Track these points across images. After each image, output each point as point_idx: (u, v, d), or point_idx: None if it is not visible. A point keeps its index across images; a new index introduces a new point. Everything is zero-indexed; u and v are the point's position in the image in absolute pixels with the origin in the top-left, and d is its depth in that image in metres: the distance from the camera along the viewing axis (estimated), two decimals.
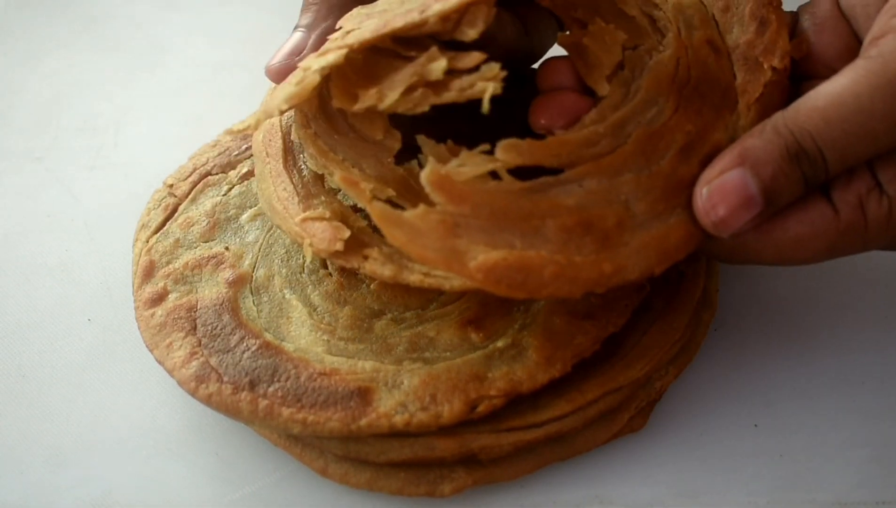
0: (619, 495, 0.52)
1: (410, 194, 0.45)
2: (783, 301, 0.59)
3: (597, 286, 0.42)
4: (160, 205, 0.59)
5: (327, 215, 0.49)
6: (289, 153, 0.54)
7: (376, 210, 0.41)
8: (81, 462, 0.54)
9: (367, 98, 0.44)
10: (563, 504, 0.52)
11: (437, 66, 0.43)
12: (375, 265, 0.43)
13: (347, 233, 0.48)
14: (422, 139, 0.44)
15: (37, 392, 0.57)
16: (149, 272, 0.57)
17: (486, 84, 0.42)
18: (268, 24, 0.78)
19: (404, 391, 0.49)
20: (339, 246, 0.48)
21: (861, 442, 0.53)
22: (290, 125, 0.54)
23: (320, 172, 0.50)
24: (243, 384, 0.51)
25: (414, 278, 0.44)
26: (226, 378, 0.51)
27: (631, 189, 0.42)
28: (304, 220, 0.48)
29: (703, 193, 0.44)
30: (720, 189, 0.44)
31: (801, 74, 0.49)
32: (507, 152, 0.42)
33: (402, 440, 0.50)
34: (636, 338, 0.53)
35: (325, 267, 0.55)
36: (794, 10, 0.50)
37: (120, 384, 0.57)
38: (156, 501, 0.53)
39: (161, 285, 0.55)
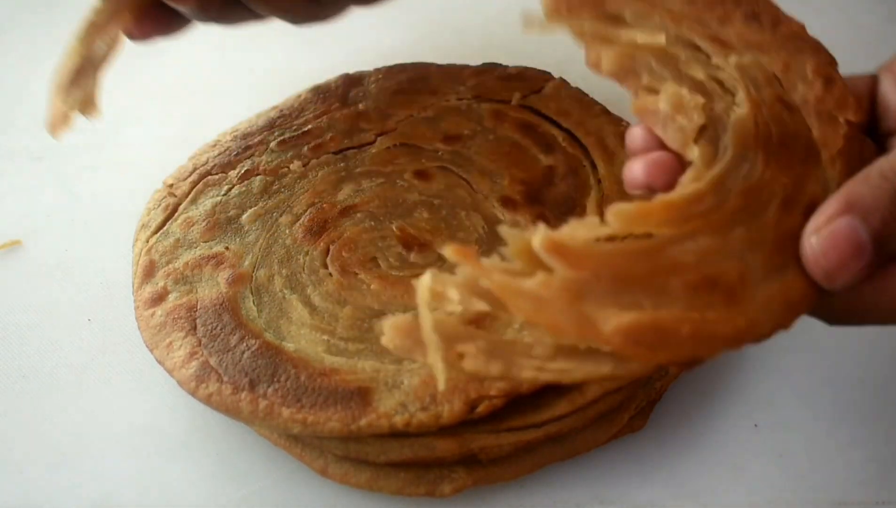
0: (619, 495, 0.52)
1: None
2: None
3: (734, 343, 0.40)
4: (160, 205, 0.59)
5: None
6: None
7: (497, 282, 0.38)
8: (81, 461, 0.54)
9: None
10: (563, 504, 0.52)
11: None
12: (478, 363, 0.41)
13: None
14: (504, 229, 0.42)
15: (37, 392, 0.57)
16: (149, 272, 0.57)
17: None
18: (268, 24, 0.78)
19: (404, 391, 0.49)
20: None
21: (861, 442, 0.53)
22: None
23: None
24: (243, 384, 0.51)
25: (527, 374, 0.40)
26: (226, 378, 0.51)
27: (744, 244, 0.41)
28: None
29: (813, 242, 0.42)
30: (830, 237, 0.42)
31: (884, 132, 0.49)
32: (618, 217, 0.41)
33: (402, 441, 0.50)
34: None
35: (326, 267, 0.55)
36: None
37: (120, 384, 0.57)
38: (156, 501, 0.53)
39: (161, 285, 0.55)
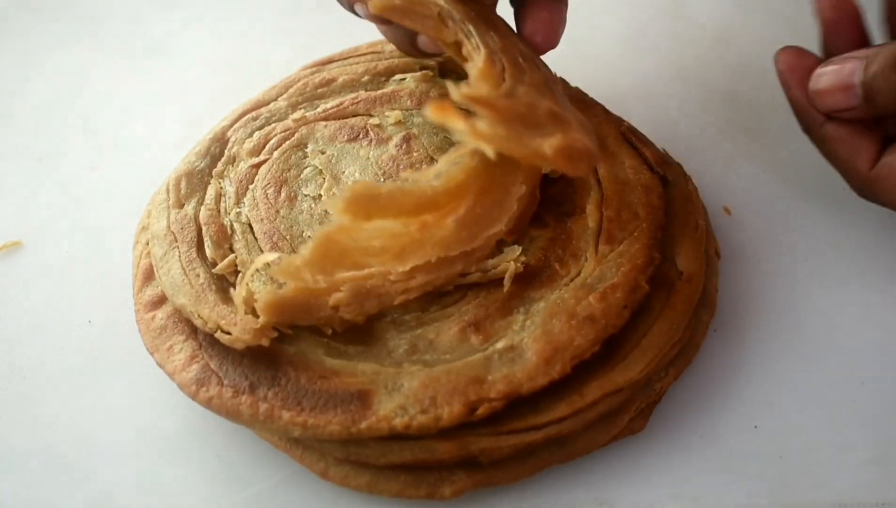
0: (620, 497, 0.52)
1: None
2: (783, 301, 0.58)
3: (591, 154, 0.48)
4: (160, 207, 0.59)
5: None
6: (201, 245, 0.56)
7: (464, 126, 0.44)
8: (82, 464, 0.54)
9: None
10: (564, 506, 0.52)
11: None
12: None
13: (274, 332, 0.51)
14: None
15: (37, 394, 0.57)
16: (149, 275, 0.57)
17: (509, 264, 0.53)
18: (268, 24, 0.78)
19: (404, 393, 0.49)
20: (266, 342, 0.51)
21: (861, 443, 0.53)
22: (206, 220, 0.57)
23: None
24: (243, 388, 0.51)
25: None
26: (226, 382, 0.51)
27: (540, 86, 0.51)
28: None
29: (821, 69, 0.54)
30: (836, 70, 0.54)
31: None
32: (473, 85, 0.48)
33: (403, 443, 0.50)
34: (636, 340, 0.52)
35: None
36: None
37: (120, 386, 0.57)
38: (156, 504, 0.53)
39: (161, 288, 0.55)
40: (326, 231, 0.46)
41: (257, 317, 0.50)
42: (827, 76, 0.54)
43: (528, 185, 0.52)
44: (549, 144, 0.45)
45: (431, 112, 0.43)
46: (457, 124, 0.43)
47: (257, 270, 0.53)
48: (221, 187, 0.59)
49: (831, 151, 0.56)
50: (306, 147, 0.60)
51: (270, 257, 0.51)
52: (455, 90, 0.45)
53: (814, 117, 0.56)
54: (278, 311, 0.49)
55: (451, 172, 0.47)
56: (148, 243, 0.58)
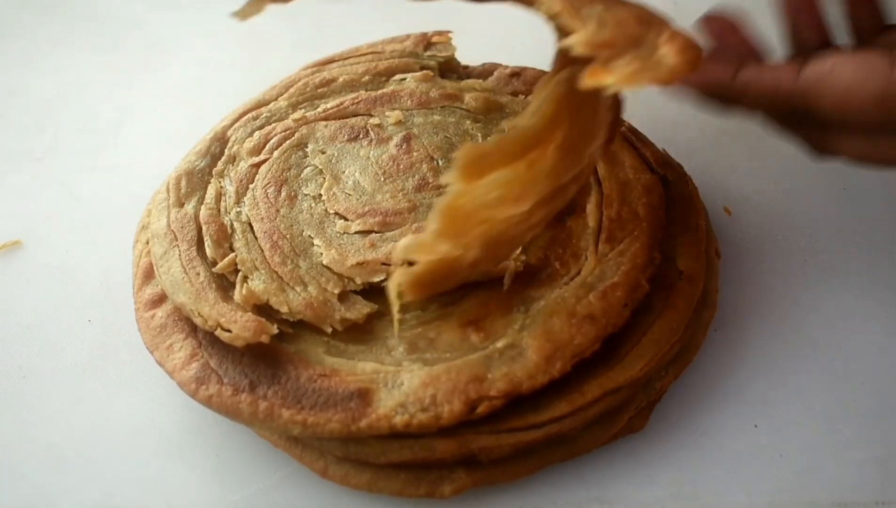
0: (620, 496, 0.52)
1: None
2: (783, 301, 0.58)
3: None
4: (160, 206, 0.59)
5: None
6: (201, 244, 0.56)
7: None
8: (82, 463, 0.54)
9: None
10: (564, 505, 0.52)
11: None
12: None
13: (274, 330, 0.51)
14: None
15: (37, 393, 0.57)
16: (149, 274, 0.57)
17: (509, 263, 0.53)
18: (268, 25, 0.78)
19: (404, 391, 0.49)
20: (265, 339, 0.51)
21: (861, 442, 0.53)
22: (206, 219, 0.57)
23: None
24: (243, 386, 0.51)
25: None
26: (226, 380, 0.51)
27: None
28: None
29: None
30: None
31: None
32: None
33: (403, 442, 0.50)
34: (636, 339, 0.53)
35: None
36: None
37: (120, 385, 0.57)
38: (156, 502, 0.53)
39: (161, 287, 0.55)
40: (447, 202, 0.45)
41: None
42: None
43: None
44: (669, 59, 0.45)
45: (588, 80, 0.42)
46: (607, 78, 0.43)
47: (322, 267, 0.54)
48: (222, 187, 0.59)
49: (755, 92, 0.50)
50: (306, 147, 0.60)
51: (405, 241, 0.48)
52: (577, 41, 0.44)
53: (723, 75, 0.51)
54: (420, 288, 0.47)
55: (542, 106, 0.46)
56: (148, 242, 0.58)
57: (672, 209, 0.58)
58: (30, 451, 0.55)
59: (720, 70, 0.50)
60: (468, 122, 0.60)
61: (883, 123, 0.47)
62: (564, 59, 0.48)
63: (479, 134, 0.59)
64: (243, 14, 0.52)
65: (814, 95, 0.48)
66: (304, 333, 0.53)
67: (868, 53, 0.47)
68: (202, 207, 0.58)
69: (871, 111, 0.47)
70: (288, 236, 0.55)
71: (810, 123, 0.50)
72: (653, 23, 0.48)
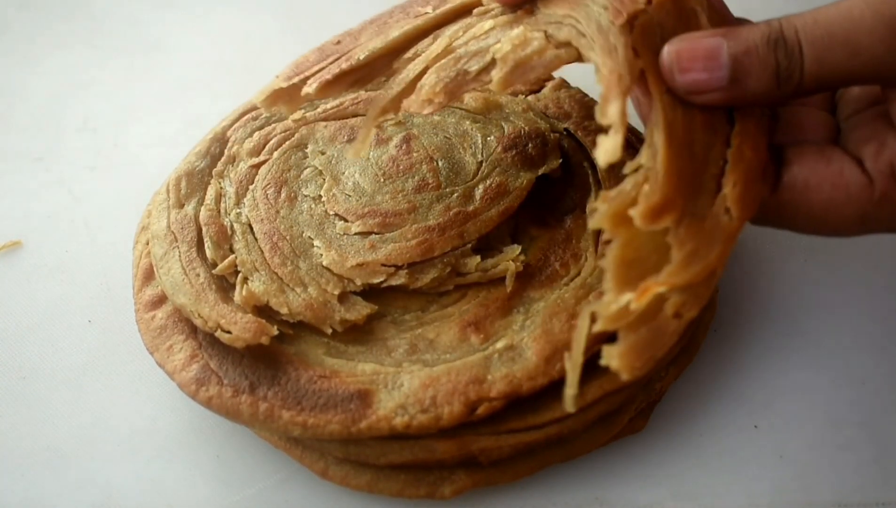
0: (619, 496, 0.52)
1: None
2: (783, 302, 0.58)
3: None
4: (160, 207, 0.59)
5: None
6: (201, 245, 0.56)
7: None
8: (82, 464, 0.54)
9: None
10: (563, 505, 0.52)
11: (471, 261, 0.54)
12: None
13: (274, 331, 0.51)
14: None
15: (37, 394, 0.57)
16: (149, 275, 0.57)
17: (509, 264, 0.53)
18: (268, 25, 0.78)
19: (404, 393, 0.49)
20: (266, 341, 0.51)
21: (861, 443, 0.53)
22: (206, 220, 0.57)
23: None
24: (243, 387, 0.51)
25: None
26: (226, 381, 0.51)
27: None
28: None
29: (672, 47, 0.46)
30: (691, 47, 0.45)
31: None
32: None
33: (403, 443, 0.50)
34: None
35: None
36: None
37: (120, 386, 0.57)
38: (156, 503, 0.53)
39: (161, 287, 0.55)
40: (613, 255, 0.44)
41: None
42: (686, 45, 0.45)
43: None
44: (731, 213, 0.45)
45: (636, 303, 0.42)
46: (658, 289, 0.43)
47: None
48: (221, 187, 0.58)
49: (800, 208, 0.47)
50: (306, 147, 0.60)
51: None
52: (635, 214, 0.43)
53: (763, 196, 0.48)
54: (644, 357, 0.43)
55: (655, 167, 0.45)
56: (148, 243, 0.58)
57: None
58: (30, 451, 0.55)
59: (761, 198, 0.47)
60: (468, 122, 0.60)
61: (860, 234, 0.47)
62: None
63: (479, 134, 0.58)
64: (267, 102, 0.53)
65: (789, 214, 0.47)
66: (304, 334, 0.53)
67: (840, 164, 0.46)
68: (202, 208, 0.58)
69: (850, 230, 0.47)
70: (288, 238, 0.55)
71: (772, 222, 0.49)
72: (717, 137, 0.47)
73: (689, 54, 0.45)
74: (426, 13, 0.53)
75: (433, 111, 0.49)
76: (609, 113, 0.44)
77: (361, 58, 0.52)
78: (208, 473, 0.54)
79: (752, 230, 0.61)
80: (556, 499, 0.52)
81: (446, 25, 0.53)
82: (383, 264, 0.54)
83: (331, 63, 0.53)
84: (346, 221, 0.55)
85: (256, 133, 0.61)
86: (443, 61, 0.50)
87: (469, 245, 0.54)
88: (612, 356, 0.42)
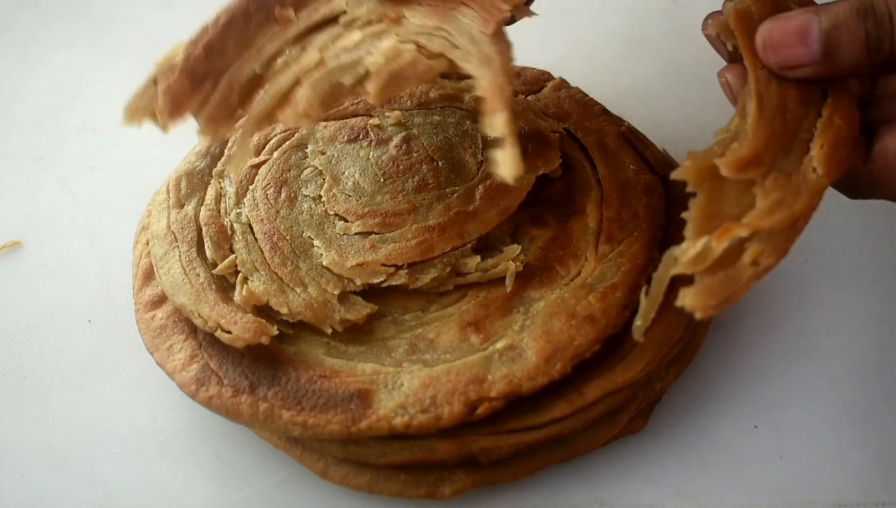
0: (619, 496, 0.52)
1: None
2: (783, 302, 0.58)
3: None
4: (160, 207, 0.59)
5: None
6: (201, 245, 0.56)
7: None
8: (82, 464, 0.54)
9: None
10: (563, 505, 0.52)
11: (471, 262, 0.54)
12: None
13: (274, 331, 0.51)
14: None
15: (37, 394, 0.57)
16: (149, 275, 0.57)
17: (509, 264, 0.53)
18: None
19: (404, 393, 0.50)
20: (265, 341, 0.51)
21: (861, 443, 0.53)
22: (206, 221, 0.57)
23: None
24: (243, 387, 0.51)
25: None
26: (226, 381, 0.51)
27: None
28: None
29: (766, 26, 0.48)
30: (784, 25, 0.47)
31: None
32: None
33: (403, 443, 0.50)
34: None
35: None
36: None
37: (120, 386, 0.57)
38: (156, 503, 0.53)
39: (161, 288, 0.55)
40: (697, 205, 0.46)
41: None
42: (779, 24, 0.47)
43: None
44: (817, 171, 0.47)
45: (717, 241, 0.44)
46: (740, 231, 0.44)
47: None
48: (221, 187, 0.58)
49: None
50: (306, 147, 0.60)
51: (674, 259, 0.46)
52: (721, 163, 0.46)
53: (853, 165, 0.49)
54: (718, 299, 0.44)
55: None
56: (148, 243, 0.58)
57: (672, 209, 0.58)
58: (30, 451, 0.55)
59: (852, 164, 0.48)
60: (468, 122, 0.60)
61: None
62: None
63: (479, 134, 0.58)
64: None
65: (882, 182, 0.48)
66: (304, 334, 0.53)
67: None
68: (202, 208, 0.58)
69: None
70: (288, 238, 0.55)
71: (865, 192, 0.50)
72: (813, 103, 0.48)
73: (781, 32, 0.47)
74: (289, 18, 0.52)
75: (309, 125, 0.49)
76: (496, 125, 0.45)
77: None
78: (208, 473, 0.54)
79: None
80: (556, 499, 0.52)
81: (312, 33, 0.52)
82: (383, 264, 0.54)
83: (217, 98, 0.52)
84: (346, 221, 0.55)
85: (256, 133, 0.61)
86: (316, 75, 0.50)
87: (469, 245, 0.54)
88: (686, 296, 0.43)
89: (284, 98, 0.50)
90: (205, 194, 0.59)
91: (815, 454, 0.53)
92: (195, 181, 0.59)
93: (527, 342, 0.51)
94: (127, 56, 0.77)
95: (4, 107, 0.74)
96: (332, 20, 0.52)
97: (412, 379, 0.50)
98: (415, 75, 0.49)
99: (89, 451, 0.55)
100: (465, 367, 0.50)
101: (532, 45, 0.66)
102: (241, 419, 0.51)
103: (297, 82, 0.50)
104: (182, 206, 0.58)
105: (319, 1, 0.53)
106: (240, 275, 0.54)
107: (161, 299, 0.55)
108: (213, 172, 0.59)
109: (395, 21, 0.51)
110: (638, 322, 0.47)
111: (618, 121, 0.62)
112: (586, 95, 0.63)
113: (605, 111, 0.62)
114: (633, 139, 0.60)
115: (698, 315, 0.43)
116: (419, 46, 0.49)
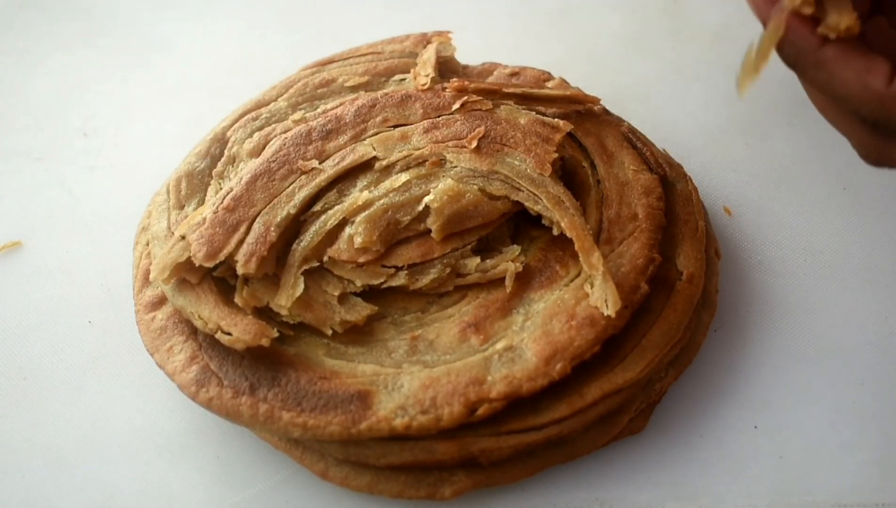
0: (619, 497, 0.52)
1: None
2: (783, 301, 0.58)
3: None
4: (160, 208, 0.59)
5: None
6: None
7: None
8: (82, 464, 0.54)
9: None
10: (564, 506, 0.52)
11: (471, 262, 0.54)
12: None
13: (275, 333, 0.52)
14: None
15: (37, 395, 0.57)
16: (149, 276, 0.56)
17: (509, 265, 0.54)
18: (268, 25, 0.78)
19: (404, 394, 0.50)
20: (266, 342, 0.51)
21: (861, 444, 0.53)
22: None
23: None
24: (243, 389, 0.51)
25: None
26: (226, 382, 0.51)
27: None
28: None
29: None
30: None
31: None
32: None
33: (403, 444, 0.50)
34: (636, 340, 0.53)
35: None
36: None
37: (121, 387, 0.57)
38: (156, 504, 0.53)
39: (161, 288, 0.55)
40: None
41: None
42: None
43: None
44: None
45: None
46: None
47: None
48: (221, 188, 0.58)
49: (833, 77, 0.45)
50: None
51: None
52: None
53: (808, 41, 0.46)
54: None
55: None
56: (148, 244, 0.58)
57: (672, 210, 0.58)
58: (30, 452, 0.55)
59: (807, 37, 0.46)
60: None
61: None
62: None
63: None
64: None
65: None
66: (304, 335, 0.53)
67: None
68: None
69: None
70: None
71: (882, 130, 0.46)
72: None
73: None
74: (314, 167, 0.56)
75: (369, 260, 0.53)
76: (593, 263, 0.51)
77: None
78: (209, 474, 0.54)
79: (751, 231, 0.62)
80: (557, 500, 0.52)
81: (344, 179, 0.56)
82: (383, 265, 0.54)
83: (253, 237, 0.54)
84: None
85: (256, 133, 0.60)
86: (368, 212, 0.54)
87: (469, 246, 0.54)
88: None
89: (331, 235, 0.54)
90: (205, 194, 0.59)
91: (815, 454, 0.53)
92: (195, 182, 0.59)
93: (527, 342, 0.51)
94: (127, 56, 0.77)
95: (4, 107, 0.74)
96: (363, 165, 0.56)
97: (412, 380, 0.50)
98: (478, 215, 0.54)
99: (89, 451, 0.55)
100: (465, 368, 0.50)
101: (532, 45, 0.66)
102: (242, 421, 0.51)
103: (343, 222, 0.53)
104: (182, 207, 0.58)
105: (344, 150, 0.56)
106: (240, 276, 0.54)
107: (161, 301, 0.55)
108: (213, 173, 0.59)
109: (436, 164, 0.55)
110: (748, 67, 0.47)
111: (618, 121, 0.62)
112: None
113: (605, 111, 0.62)
114: (633, 139, 0.60)
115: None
116: (480, 188, 0.54)
